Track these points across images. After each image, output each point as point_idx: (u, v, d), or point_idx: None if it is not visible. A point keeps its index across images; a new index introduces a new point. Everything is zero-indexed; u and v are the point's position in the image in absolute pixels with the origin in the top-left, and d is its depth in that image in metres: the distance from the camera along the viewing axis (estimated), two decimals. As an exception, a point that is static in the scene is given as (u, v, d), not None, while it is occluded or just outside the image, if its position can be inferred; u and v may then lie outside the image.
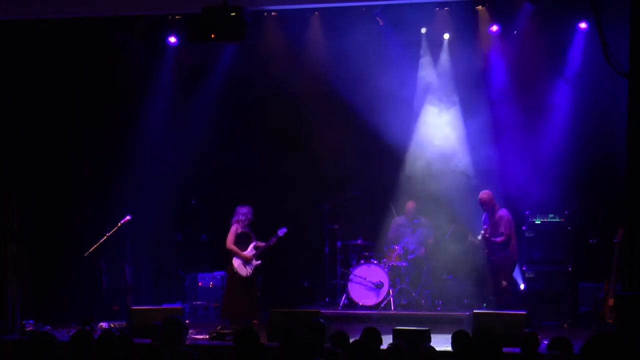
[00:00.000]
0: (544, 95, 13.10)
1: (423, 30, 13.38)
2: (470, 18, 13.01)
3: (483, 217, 12.59)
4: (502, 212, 12.40)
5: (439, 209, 13.30)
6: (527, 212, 12.52)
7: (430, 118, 13.62)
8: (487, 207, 12.45)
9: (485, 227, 12.33)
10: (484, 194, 12.49)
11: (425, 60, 13.62)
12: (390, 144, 13.74)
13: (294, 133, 13.98)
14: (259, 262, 12.64)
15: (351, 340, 7.14)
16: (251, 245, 12.62)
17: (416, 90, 13.67)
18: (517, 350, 8.04)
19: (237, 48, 13.59)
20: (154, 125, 13.84)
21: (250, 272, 12.57)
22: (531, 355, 7.49)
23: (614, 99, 11.35)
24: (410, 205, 13.46)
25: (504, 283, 12.28)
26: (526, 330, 8.33)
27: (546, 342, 7.53)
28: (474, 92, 13.38)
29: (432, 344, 8.99)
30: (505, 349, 7.19)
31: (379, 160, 13.95)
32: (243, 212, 12.65)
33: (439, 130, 13.55)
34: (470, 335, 7.86)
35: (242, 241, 12.66)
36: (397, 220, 13.56)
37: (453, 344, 7.33)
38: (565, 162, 12.92)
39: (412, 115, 13.70)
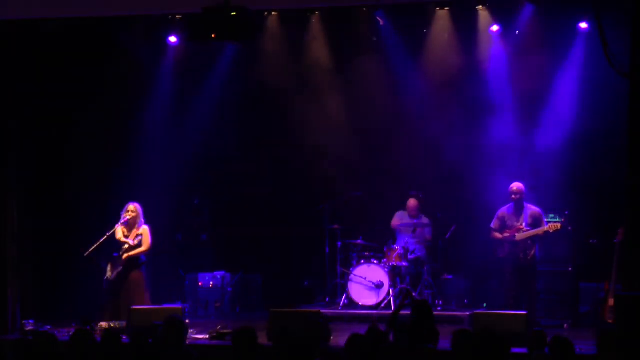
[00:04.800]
0: (544, 94, 13.11)
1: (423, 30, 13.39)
2: (470, 18, 13.03)
3: (503, 212, 12.14)
4: (537, 208, 12.05)
5: (438, 208, 13.33)
6: (527, 212, 12.51)
7: (430, 118, 13.61)
8: (520, 200, 12.01)
9: (520, 224, 12.00)
10: (520, 185, 12.06)
11: (425, 60, 13.62)
12: (391, 143, 13.77)
13: (295, 132, 13.99)
14: (119, 269, 11.66)
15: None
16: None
17: (416, 90, 13.67)
18: (518, 350, 8.04)
19: (237, 48, 13.59)
20: (154, 124, 13.85)
21: (112, 276, 11.69)
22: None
23: (614, 99, 11.34)
24: (412, 202, 13.42)
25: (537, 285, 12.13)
26: (535, 329, 8.30)
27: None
28: (473, 92, 13.40)
29: (432, 343, 9.01)
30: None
31: (379, 160, 13.96)
32: (125, 208, 11.80)
33: (439, 130, 13.55)
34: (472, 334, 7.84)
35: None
36: (400, 214, 13.53)
37: (454, 343, 7.30)
38: (565, 162, 12.92)
39: (412, 115, 13.71)
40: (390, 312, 12.39)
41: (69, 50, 13.13)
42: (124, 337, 10.10)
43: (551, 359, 7.01)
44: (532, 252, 12.01)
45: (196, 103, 14.11)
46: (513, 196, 12.07)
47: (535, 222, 12.03)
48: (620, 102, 9.91)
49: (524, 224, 11.98)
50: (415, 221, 13.36)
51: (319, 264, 13.67)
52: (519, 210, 12.08)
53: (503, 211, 12.16)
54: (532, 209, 12.08)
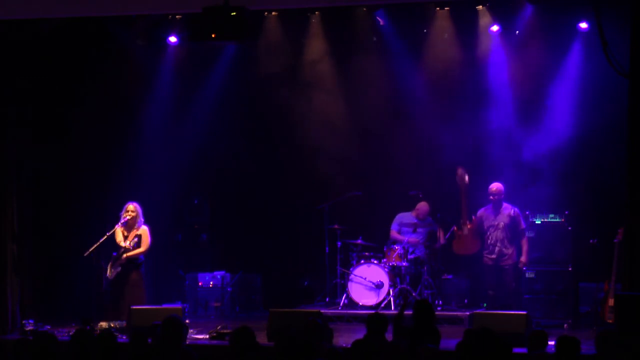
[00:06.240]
0: (545, 95, 13.11)
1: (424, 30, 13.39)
2: (470, 18, 13.03)
3: (482, 212, 12.50)
4: (515, 207, 12.38)
5: (438, 208, 13.33)
6: (527, 212, 12.51)
7: (430, 118, 13.61)
8: (499, 201, 12.37)
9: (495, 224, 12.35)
10: (500, 185, 12.41)
11: (425, 60, 13.62)
12: (391, 143, 13.77)
13: (295, 132, 13.98)
14: (118, 269, 11.73)
15: (353, 339, 7.15)
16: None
17: (416, 90, 13.66)
18: (518, 350, 8.02)
19: (237, 48, 13.59)
20: (155, 124, 13.85)
21: (112, 276, 11.73)
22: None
23: (614, 99, 11.35)
24: (423, 206, 13.36)
25: (514, 284, 12.32)
26: (535, 329, 8.28)
27: (552, 343, 7.48)
28: (473, 91, 13.40)
29: (432, 343, 9.00)
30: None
31: (379, 160, 13.96)
32: (124, 208, 11.81)
33: (439, 130, 13.55)
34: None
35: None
36: (401, 217, 13.49)
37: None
38: (565, 162, 12.93)
39: (412, 115, 13.71)
40: (391, 312, 12.47)
41: (68, 49, 13.13)
42: (124, 337, 10.14)
43: (553, 359, 6.99)
44: (509, 252, 12.31)
45: (196, 103, 14.10)
46: (492, 197, 12.44)
47: (512, 222, 12.32)
48: (620, 102, 9.92)
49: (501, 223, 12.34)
50: (416, 221, 13.34)
51: (319, 264, 13.66)
52: (496, 210, 12.42)
53: (481, 211, 12.55)
54: (509, 209, 12.39)
